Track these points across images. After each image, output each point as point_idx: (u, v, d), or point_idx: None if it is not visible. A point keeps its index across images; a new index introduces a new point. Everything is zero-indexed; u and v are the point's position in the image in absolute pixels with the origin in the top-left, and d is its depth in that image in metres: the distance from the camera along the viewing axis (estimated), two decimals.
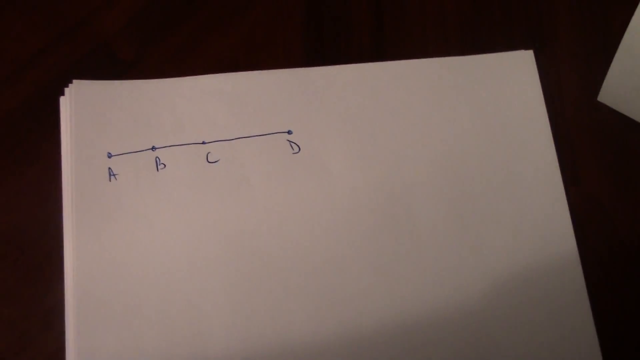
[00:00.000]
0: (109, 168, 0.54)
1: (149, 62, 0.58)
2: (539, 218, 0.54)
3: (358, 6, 0.61)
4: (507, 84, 0.57)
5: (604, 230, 0.54)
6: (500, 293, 0.51)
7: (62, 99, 0.56)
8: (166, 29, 0.60)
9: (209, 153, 0.55)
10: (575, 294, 0.51)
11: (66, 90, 0.56)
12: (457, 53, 0.59)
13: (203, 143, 0.55)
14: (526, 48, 0.59)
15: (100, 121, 0.55)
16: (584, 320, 0.51)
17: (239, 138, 0.56)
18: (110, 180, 0.54)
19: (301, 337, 0.50)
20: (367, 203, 0.54)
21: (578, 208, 0.54)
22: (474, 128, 0.56)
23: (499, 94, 0.57)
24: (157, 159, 0.55)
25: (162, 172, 0.54)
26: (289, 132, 0.56)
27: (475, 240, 0.53)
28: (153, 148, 0.55)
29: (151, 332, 0.50)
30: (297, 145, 0.56)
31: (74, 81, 0.56)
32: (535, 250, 0.53)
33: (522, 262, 0.52)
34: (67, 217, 0.53)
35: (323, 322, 0.51)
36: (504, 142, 0.56)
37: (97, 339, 0.50)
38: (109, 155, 0.54)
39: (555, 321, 0.51)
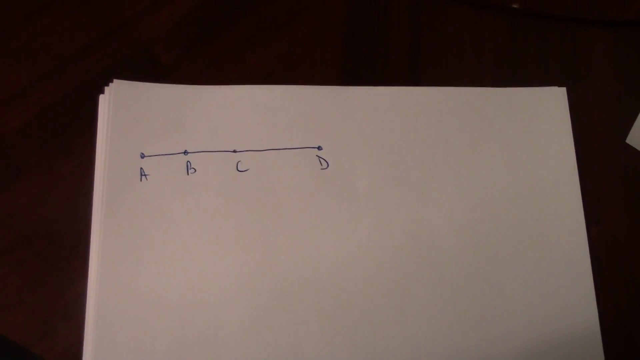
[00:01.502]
0: (141, 168, 0.55)
1: (188, 69, 0.59)
2: (559, 253, 0.54)
3: (396, 30, 0.62)
4: (538, 118, 0.58)
5: (621, 270, 0.54)
6: (519, 341, 0.51)
7: (101, 97, 0.56)
8: (208, 38, 0.61)
9: (239, 162, 0.56)
10: (590, 339, 0.51)
11: (106, 89, 0.56)
12: (491, 84, 0.60)
13: (234, 152, 0.56)
14: (559, 85, 0.59)
15: (136, 121, 0.56)
16: None
17: (269, 150, 0.56)
18: (141, 180, 0.54)
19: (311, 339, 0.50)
20: (389, 226, 0.55)
21: (598, 247, 0.54)
22: (502, 160, 0.57)
23: (530, 127, 0.57)
24: (189, 163, 0.55)
25: (192, 177, 0.55)
26: (319, 148, 0.56)
27: (494, 276, 0.53)
28: (185, 152, 0.55)
29: (167, 332, 0.51)
30: (326, 162, 0.56)
31: (115, 81, 0.57)
32: (552, 283, 0.53)
33: (539, 306, 0.53)
34: (96, 213, 0.53)
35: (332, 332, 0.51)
36: (531, 176, 0.56)
37: (115, 333, 0.50)
38: (142, 156, 0.55)
39: None
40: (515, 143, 0.57)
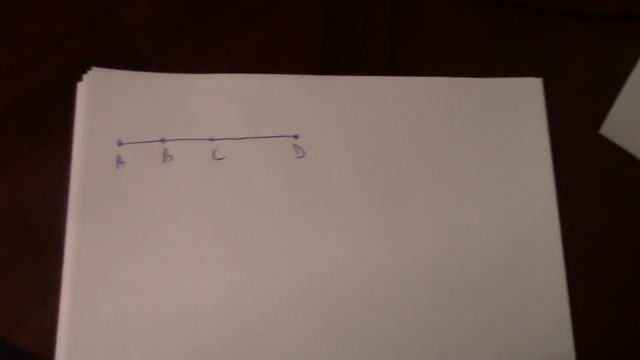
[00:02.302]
0: (118, 155, 0.55)
1: (168, 57, 0.59)
2: (532, 242, 0.54)
3: (375, 20, 0.62)
4: (514, 108, 0.58)
5: (594, 260, 0.54)
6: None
7: (79, 85, 0.56)
8: (188, 27, 0.61)
9: (216, 150, 0.56)
10: (558, 322, 0.51)
11: (84, 76, 0.56)
12: (468, 74, 0.59)
13: (211, 140, 0.56)
14: (536, 76, 0.59)
15: (114, 109, 0.56)
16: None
17: (246, 138, 0.56)
18: (117, 168, 0.54)
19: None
20: (364, 213, 0.55)
21: (571, 236, 0.54)
22: (477, 149, 0.57)
23: (505, 117, 0.58)
24: (165, 151, 0.55)
25: (169, 164, 0.55)
26: (296, 137, 0.56)
27: (467, 266, 0.54)
28: (162, 140, 0.55)
29: (142, 321, 0.51)
30: (302, 150, 0.56)
31: (93, 68, 0.57)
32: (523, 270, 0.53)
33: (510, 294, 0.53)
34: (73, 200, 0.53)
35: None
36: (506, 164, 0.56)
37: (90, 321, 0.50)
38: (119, 143, 0.55)
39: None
40: (491, 132, 0.57)
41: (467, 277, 0.53)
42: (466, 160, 0.57)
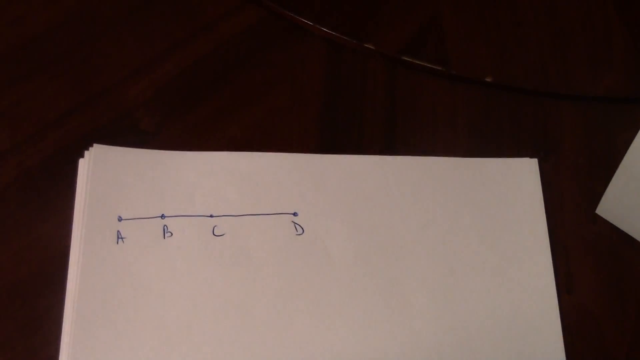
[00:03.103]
0: (118, 231, 0.54)
1: (168, 135, 0.60)
2: (530, 322, 0.54)
3: (372, 102, 0.63)
4: (510, 188, 0.59)
5: (593, 340, 0.54)
6: None
7: (81, 161, 0.57)
8: (188, 105, 0.62)
9: (215, 226, 0.56)
10: None
11: (86, 152, 0.57)
12: (465, 154, 0.60)
13: (211, 216, 0.56)
14: (531, 156, 0.60)
15: (115, 185, 0.56)
16: None
17: (245, 215, 0.56)
18: (117, 243, 0.54)
19: None
20: (363, 292, 0.54)
21: (569, 316, 0.55)
22: (475, 228, 0.57)
23: (502, 197, 0.58)
24: (165, 227, 0.55)
25: (169, 240, 0.55)
26: (295, 214, 0.57)
27: (467, 343, 0.54)
28: (162, 216, 0.56)
29: None
30: (302, 227, 0.56)
31: (95, 145, 0.57)
32: (523, 350, 0.53)
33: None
34: (72, 274, 0.53)
35: None
36: (503, 244, 0.57)
37: None
38: (120, 219, 0.55)
39: None
40: (488, 212, 0.58)
41: (467, 356, 0.53)
42: (464, 239, 0.57)
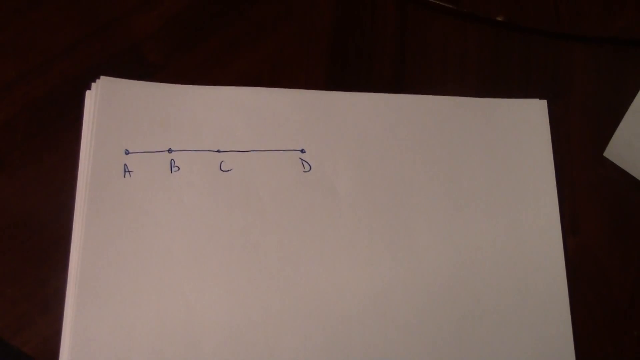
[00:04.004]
0: (125, 164, 0.55)
1: (176, 68, 0.60)
2: (535, 262, 0.54)
3: (382, 38, 0.63)
4: (519, 129, 0.59)
5: (596, 282, 0.55)
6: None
7: (88, 93, 0.57)
8: (196, 38, 0.61)
9: (222, 162, 0.56)
10: (561, 342, 0.52)
11: (93, 85, 0.57)
12: (474, 94, 0.60)
13: (218, 151, 0.56)
14: (541, 97, 0.60)
15: (122, 118, 0.56)
16: None
17: (253, 151, 0.57)
18: (124, 177, 0.55)
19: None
20: (369, 229, 0.55)
21: (573, 258, 0.55)
22: (480, 168, 0.58)
23: (510, 138, 0.59)
24: (172, 161, 0.55)
25: (176, 175, 0.55)
26: (302, 151, 0.57)
27: (469, 282, 0.54)
28: (169, 150, 0.56)
29: (145, 330, 0.51)
30: (309, 164, 0.57)
31: (102, 77, 0.57)
32: (527, 289, 0.54)
33: (513, 313, 0.54)
34: (79, 207, 0.53)
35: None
36: (509, 184, 0.57)
37: (93, 328, 0.50)
38: (126, 152, 0.55)
39: None
40: (495, 152, 0.58)
41: (471, 294, 0.54)
42: (470, 178, 0.57)
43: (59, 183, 0.55)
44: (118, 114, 0.56)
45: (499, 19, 0.63)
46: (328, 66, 0.61)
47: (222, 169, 0.56)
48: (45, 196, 0.55)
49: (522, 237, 0.55)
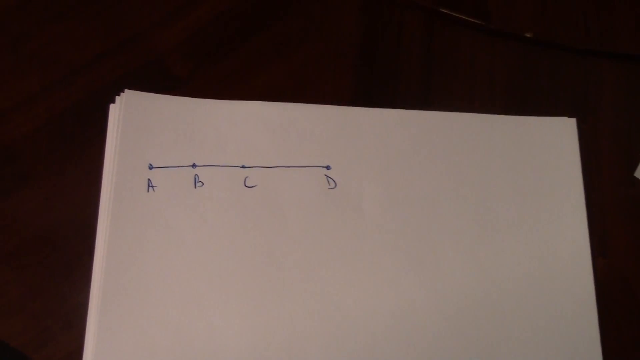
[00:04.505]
0: (149, 179, 0.55)
1: (200, 82, 0.60)
2: (563, 285, 0.55)
3: (409, 53, 0.63)
4: (547, 148, 0.59)
5: (627, 303, 0.55)
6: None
7: (111, 107, 0.57)
8: (221, 52, 0.62)
9: (247, 177, 0.56)
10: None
11: (117, 98, 0.57)
12: (501, 112, 0.60)
13: (243, 167, 0.56)
14: (570, 116, 0.60)
15: (146, 132, 0.57)
16: None
17: (278, 167, 0.57)
18: (148, 192, 0.55)
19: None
20: (394, 248, 0.55)
21: (603, 279, 0.55)
22: (508, 188, 0.58)
23: (538, 157, 0.59)
24: (196, 177, 0.56)
25: (200, 190, 0.55)
26: (328, 167, 0.57)
27: (497, 303, 0.55)
28: (194, 165, 0.56)
29: (168, 347, 0.51)
30: (334, 181, 0.57)
31: (126, 90, 0.57)
32: (555, 312, 0.54)
33: (543, 334, 0.54)
34: (102, 222, 0.54)
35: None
36: (537, 205, 0.57)
37: (116, 346, 0.51)
38: (150, 167, 0.56)
39: None
40: (524, 172, 0.58)
41: (497, 316, 0.54)
42: (498, 198, 0.57)
43: (82, 197, 0.55)
44: (142, 128, 0.57)
45: (528, 35, 0.63)
46: (354, 81, 0.61)
47: (247, 184, 0.56)
48: (68, 210, 0.55)
49: (550, 258, 0.55)
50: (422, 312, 0.53)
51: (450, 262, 0.55)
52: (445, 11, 0.64)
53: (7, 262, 0.53)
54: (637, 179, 0.58)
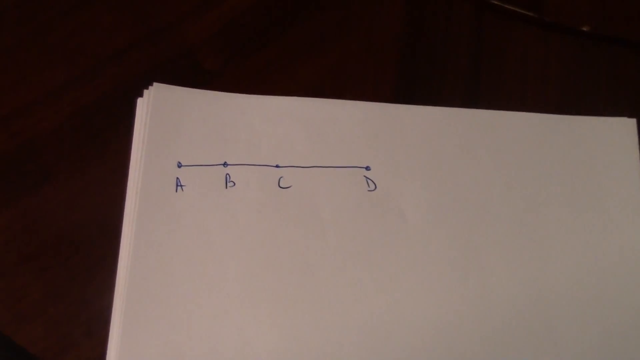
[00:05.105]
0: (177, 178, 0.55)
1: (232, 76, 0.60)
2: (623, 297, 0.54)
3: (456, 47, 0.63)
4: (605, 150, 0.58)
5: None
6: None
7: (139, 101, 0.57)
8: (256, 45, 0.62)
9: (281, 178, 0.56)
10: None
11: (145, 92, 0.57)
12: (555, 111, 0.60)
13: (277, 167, 0.56)
14: (629, 116, 0.59)
15: (175, 128, 0.56)
16: None
17: (314, 167, 0.56)
18: (176, 191, 0.55)
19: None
20: (438, 256, 0.54)
21: None
22: (562, 193, 0.57)
23: (595, 160, 0.58)
24: (228, 176, 0.55)
25: (231, 190, 0.55)
26: (367, 168, 0.57)
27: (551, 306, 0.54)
28: (225, 164, 0.56)
29: (196, 355, 0.51)
30: (374, 183, 0.56)
31: (155, 84, 0.57)
32: (611, 328, 0.53)
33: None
34: (128, 222, 0.54)
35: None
36: (594, 210, 0.56)
37: (140, 353, 0.50)
38: (179, 165, 0.55)
39: None
40: (579, 176, 0.57)
41: (551, 333, 0.53)
42: (551, 204, 0.56)
43: (107, 197, 0.55)
44: (171, 124, 0.56)
45: (585, 29, 0.62)
46: (396, 77, 0.61)
47: (281, 185, 0.56)
48: (92, 210, 0.55)
49: (608, 270, 0.54)
50: (469, 326, 0.53)
51: (499, 274, 0.54)
52: (496, 2, 0.64)
53: (28, 264, 0.53)
54: None
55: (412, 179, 0.56)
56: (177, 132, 0.56)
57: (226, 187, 0.55)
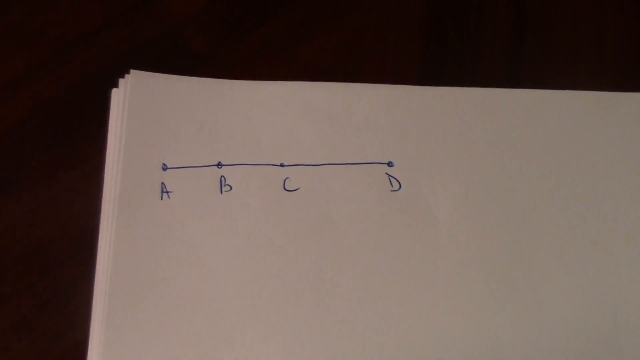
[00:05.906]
0: (162, 183, 0.54)
1: (225, 59, 0.59)
2: None
3: (493, 19, 0.62)
4: None
5: None
6: None
7: (114, 92, 0.56)
8: (251, 21, 0.61)
9: (287, 179, 0.55)
10: None
11: (120, 81, 0.56)
12: (613, 88, 0.59)
13: (281, 166, 0.55)
14: None
15: (158, 123, 0.55)
16: None
17: (326, 164, 0.56)
18: (162, 199, 0.54)
19: None
20: (476, 264, 0.54)
21: None
22: (627, 186, 0.56)
23: None
24: (223, 179, 0.55)
25: (227, 196, 0.54)
26: (390, 164, 0.56)
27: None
28: (219, 165, 0.55)
29: None
30: (398, 182, 0.55)
31: (132, 71, 0.56)
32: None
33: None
34: (104, 237, 0.53)
35: None
36: None
37: None
38: (164, 168, 0.54)
39: None
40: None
41: (612, 354, 0.52)
42: (612, 201, 0.55)
43: (78, 208, 0.54)
44: (153, 118, 0.55)
45: None
46: (422, 55, 0.60)
47: (287, 188, 0.55)
48: (62, 225, 0.54)
49: None
50: (513, 350, 0.52)
51: (551, 285, 0.53)
52: None
53: None
54: None
55: (444, 175, 0.56)
56: (160, 128, 0.55)
57: (221, 192, 0.55)
